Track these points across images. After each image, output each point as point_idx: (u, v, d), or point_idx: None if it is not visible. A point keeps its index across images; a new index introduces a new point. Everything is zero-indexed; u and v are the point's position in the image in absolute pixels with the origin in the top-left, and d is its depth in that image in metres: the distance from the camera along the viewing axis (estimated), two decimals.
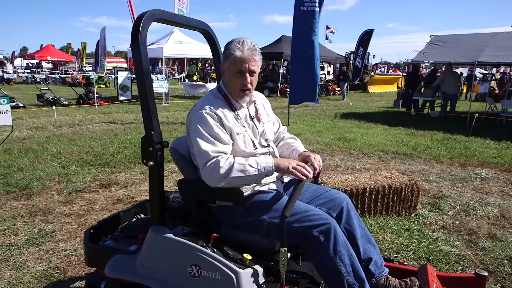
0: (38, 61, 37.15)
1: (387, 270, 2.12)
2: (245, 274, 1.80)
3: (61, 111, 12.67)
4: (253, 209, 2.00)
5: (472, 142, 8.62)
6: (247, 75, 2.01)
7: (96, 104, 14.93)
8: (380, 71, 40.20)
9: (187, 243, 1.87)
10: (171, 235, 1.92)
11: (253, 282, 1.82)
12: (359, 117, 12.41)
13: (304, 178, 1.89)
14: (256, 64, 2.03)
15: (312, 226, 1.87)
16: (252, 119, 2.14)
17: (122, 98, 16.42)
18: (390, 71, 43.11)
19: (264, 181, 2.01)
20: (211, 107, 1.98)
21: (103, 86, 25.39)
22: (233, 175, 1.86)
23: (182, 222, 2.13)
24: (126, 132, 9.19)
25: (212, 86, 19.55)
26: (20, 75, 26.68)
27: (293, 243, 1.91)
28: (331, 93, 22.25)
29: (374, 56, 34.18)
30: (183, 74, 25.47)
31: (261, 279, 1.88)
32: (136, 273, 1.97)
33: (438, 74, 14.63)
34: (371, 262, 2.07)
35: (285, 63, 22.32)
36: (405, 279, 2.12)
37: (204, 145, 1.90)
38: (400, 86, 16.97)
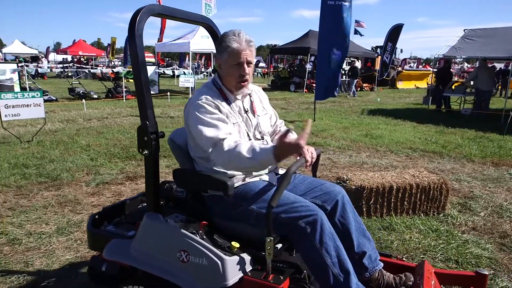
0: (71, 56, 38.27)
1: (381, 264, 2.13)
2: (231, 261, 1.84)
3: (91, 105, 13.00)
4: (242, 198, 2.02)
5: (507, 141, 8.28)
6: (245, 66, 2.04)
7: (124, 98, 15.25)
8: (410, 66, 39.17)
9: (177, 229, 1.93)
10: (162, 221, 2.00)
11: (239, 270, 1.86)
12: (387, 114, 12.15)
13: (308, 160, 1.92)
14: (252, 55, 2.06)
15: (299, 217, 1.87)
16: (246, 112, 2.17)
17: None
18: (420, 66, 41.97)
19: (257, 173, 2.06)
20: (207, 97, 2.02)
21: (131, 80, 25.88)
22: (232, 164, 1.91)
23: (182, 211, 2.20)
24: None
25: None
26: (53, 69, 27.57)
27: (281, 234, 1.95)
28: (359, 88, 21.86)
29: (401, 51, 33.37)
30: (210, 69, 25.65)
31: (248, 267, 1.91)
32: (131, 256, 2.05)
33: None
34: (365, 255, 2.07)
35: (312, 58, 22.09)
36: (400, 275, 2.12)
37: (207, 131, 1.93)
38: (430, 82, 16.48)
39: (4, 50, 39.21)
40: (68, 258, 3.28)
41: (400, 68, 27.96)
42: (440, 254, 3.37)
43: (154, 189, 2.06)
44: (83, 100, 13.04)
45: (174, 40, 19.43)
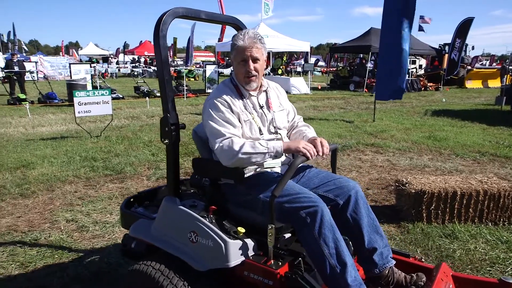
0: (137, 56, 40.47)
1: (393, 262, 2.12)
2: (234, 244, 1.96)
3: (154, 102, 13.64)
4: (251, 187, 2.11)
5: None
6: (250, 62, 2.14)
7: (185, 96, 15.82)
8: (481, 64, 36.55)
9: (189, 212, 2.09)
10: (178, 205, 2.17)
11: (241, 253, 1.98)
12: (453, 115, 11.42)
13: (309, 157, 1.99)
14: (259, 52, 2.15)
15: (300, 207, 1.93)
16: (261, 107, 2.26)
17: (209, 90, 17.19)
18: (494, 64, 39.01)
19: (267, 164, 2.14)
20: (222, 95, 2.16)
21: (192, 79, 26.79)
22: (244, 150, 1.99)
23: (202, 198, 2.38)
24: None
25: (296, 80, 19.53)
26: (121, 69, 29.35)
27: (284, 222, 2.05)
28: (423, 88, 20.80)
29: (473, 48, 31.07)
30: (269, 68, 25.79)
31: (251, 252, 2.02)
32: (151, 235, 2.24)
33: None
34: (375, 252, 2.08)
35: (373, 56, 21.39)
36: (412, 274, 2.11)
37: (216, 127, 2.08)
38: (504, 81, 15.21)
39: (81, 52, 42.48)
40: None
41: (469, 67, 26.13)
42: (511, 269, 3.11)
43: (174, 175, 2.23)
44: (147, 98, 13.72)
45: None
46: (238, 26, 2.57)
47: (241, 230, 2.02)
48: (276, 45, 19.33)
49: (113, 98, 9.16)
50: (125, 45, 46.26)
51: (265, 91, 2.33)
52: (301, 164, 2.12)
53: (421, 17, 24.75)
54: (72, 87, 12.89)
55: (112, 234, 3.72)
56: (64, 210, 4.30)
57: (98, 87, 16.36)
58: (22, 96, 14.12)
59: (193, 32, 24.54)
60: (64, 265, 3.17)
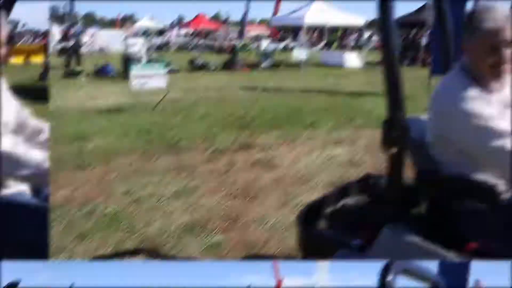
0: (192, 29, 40.77)
1: None
2: None
3: (208, 76, 13.59)
4: None
5: None
6: (503, 48, 1.55)
7: (240, 70, 15.64)
8: None
9: (441, 253, 1.50)
10: (418, 241, 1.56)
11: None
12: None
13: None
14: None
15: None
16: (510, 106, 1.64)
17: (263, 65, 16.86)
18: None
19: None
20: (471, 89, 1.59)
21: (247, 53, 26.54)
22: None
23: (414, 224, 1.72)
24: (267, 98, 9.33)
25: (349, 55, 18.77)
26: (176, 42, 29.72)
27: None
28: None
29: None
30: (323, 43, 24.92)
31: None
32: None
33: None
34: None
35: (428, 31, 19.91)
36: None
37: (491, 125, 1.50)
38: None
39: (136, 25, 43.56)
40: (184, 221, 3.37)
41: None
42: None
43: (400, 196, 1.65)
44: (202, 71, 13.71)
45: (290, 14, 19.25)
46: None
47: None
48: (331, 19, 18.65)
49: (168, 71, 9.15)
50: (180, 18, 46.78)
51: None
52: None
53: None
54: (127, 60, 13.10)
55: (167, 208, 3.65)
56: (119, 182, 4.30)
57: (153, 60, 16.58)
58: (78, 69, 14.40)
59: (249, 4, 24.16)
60: (120, 237, 3.12)
